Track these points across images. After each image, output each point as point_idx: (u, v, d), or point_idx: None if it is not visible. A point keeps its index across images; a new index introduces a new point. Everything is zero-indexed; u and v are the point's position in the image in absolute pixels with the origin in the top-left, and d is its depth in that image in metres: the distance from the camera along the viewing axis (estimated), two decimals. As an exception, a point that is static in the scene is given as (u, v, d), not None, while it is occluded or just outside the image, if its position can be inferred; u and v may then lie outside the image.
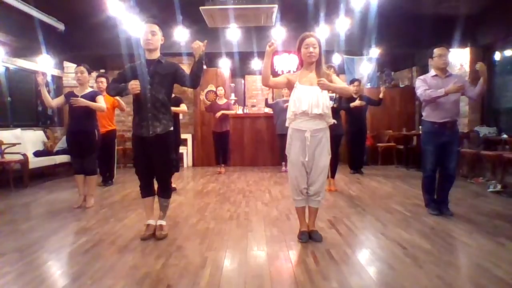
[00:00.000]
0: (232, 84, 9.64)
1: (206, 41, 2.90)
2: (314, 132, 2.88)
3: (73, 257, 2.72)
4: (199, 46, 2.86)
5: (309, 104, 2.84)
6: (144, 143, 3.03)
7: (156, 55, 3.04)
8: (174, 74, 3.05)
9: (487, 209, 4.02)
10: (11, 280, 2.32)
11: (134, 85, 2.89)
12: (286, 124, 3.02)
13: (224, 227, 3.45)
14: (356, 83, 6.49)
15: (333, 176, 5.17)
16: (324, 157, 2.94)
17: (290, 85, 3.00)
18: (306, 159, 2.88)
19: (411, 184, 5.53)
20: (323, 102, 2.86)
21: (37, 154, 6.31)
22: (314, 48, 2.88)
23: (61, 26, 6.17)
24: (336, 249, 2.81)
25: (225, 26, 6.00)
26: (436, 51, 3.71)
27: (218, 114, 6.76)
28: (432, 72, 3.81)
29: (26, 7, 5.17)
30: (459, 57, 6.65)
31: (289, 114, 2.96)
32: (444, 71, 3.74)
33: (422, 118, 3.88)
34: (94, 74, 5.91)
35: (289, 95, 3.06)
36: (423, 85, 3.72)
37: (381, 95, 6.64)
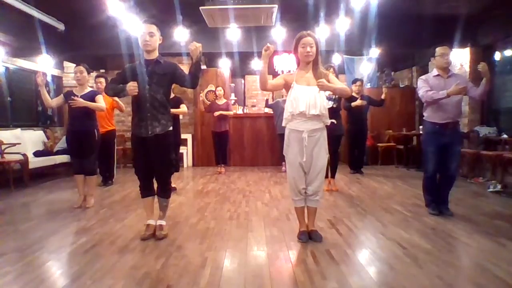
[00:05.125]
0: (232, 84, 9.64)
1: (200, 44, 2.89)
2: (311, 132, 2.87)
3: (73, 257, 2.72)
4: (196, 47, 2.86)
5: (306, 105, 2.83)
6: (144, 143, 3.04)
7: (155, 55, 3.04)
8: (173, 74, 3.05)
9: (487, 209, 4.03)
10: (11, 280, 2.32)
11: (132, 87, 2.90)
12: (283, 125, 3.00)
13: (224, 227, 3.46)
14: (358, 83, 6.50)
15: (333, 176, 5.17)
16: (322, 157, 2.94)
17: (287, 86, 2.98)
18: (304, 160, 2.88)
19: (411, 184, 5.53)
20: (320, 102, 2.86)
21: (37, 154, 6.31)
22: (311, 47, 2.86)
23: (61, 26, 6.17)
24: (336, 249, 2.81)
25: (225, 26, 6.00)
26: (439, 50, 3.69)
27: (216, 113, 6.77)
28: (434, 71, 3.79)
29: (26, 7, 5.17)
30: (459, 57, 6.64)
31: (286, 115, 2.94)
32: (446, 70, 3.73)
33: (424, 118, 3.87)
34: (94, 74, 5.91)
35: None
36: (424, 86, 3.70)
37: (383, 96, 6.63)
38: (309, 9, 5.50)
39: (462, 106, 6.34)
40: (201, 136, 8.31)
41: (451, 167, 3.72)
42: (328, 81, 2.86)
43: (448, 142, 3.67)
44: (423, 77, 3.84)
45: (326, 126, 2.98)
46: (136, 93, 2.92)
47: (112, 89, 3.04)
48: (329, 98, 4.16)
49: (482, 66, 3.51)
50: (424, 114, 3.85)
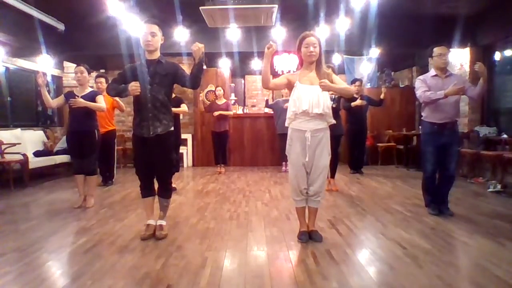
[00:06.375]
0: (232, 84, 9.65)
1: (203, 45, 2.89)
2: (314, 132, 2.87)
3: (73, 257, 2.72)
4: (199, 48, 2.86)
5: (309, 104, 2.83)
6: (145, 143, 3.04)
7: (156, 55, 3.04)
8: (175, 74, 3.05)
9: (487, 209, 4.02)
10: (11, 280, 2.32)
11: (134, 87, 2.89)
12: (286, 124, 3.01)
13: (224, 227, 3.46)
14: (357, 83, 6.49)
15: (333, 176, 5.17)
16: (324, 157, 2.94)
17: (290, 86, 2.99)
18: (307, 160, 2.88)
19: (411, 184, 5.53)
20: (323, 101, 2.86)
21: (37, 154, 6.31)
22: (314, 47, 2.87)
23: (61, 26, 6.17)
24: (336, 249, 2.81)
25: (225, 26, 6.00)
26: (436, 50, 3.68)
27: (216, 113, 6.78)
28: (432, 71, 3.78)
29: (26, 7, 5.17)
30: (459, 57, 6.65)
31: (289, 114, 2.95)
32: (444, 70, 3.72)
33: (422, 118, 3.87)
34: (94, 74, 5.91)
35: (289, 95, 3.05)
36: (422, 86, 3.69)
37: (382, 96, 6.64)
38: (309, 9, 5.50)
39: (462, 106, 6.40)
40: (201, 136, 8.31)
41: (450, 167, 3.72)
42: (331, 81, 2.87)
43: (446, 142, 3.67)
44: (421, 77, 3.83)
45: None
46: (138, 93, 2.91)
47: (114, 89, 3.02)
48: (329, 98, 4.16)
49: (479, 66, 3.50)
50: (422, 114, 3.84)
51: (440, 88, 3.59)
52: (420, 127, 4.65)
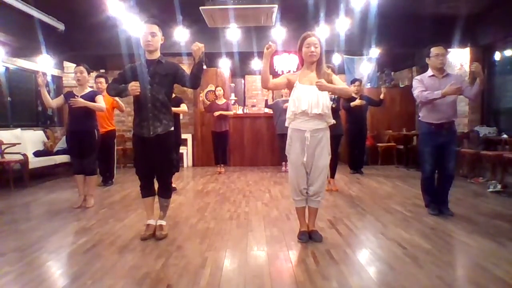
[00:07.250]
0: (232, 84, 9.65)
1: (202, 45, 2.89)
2: (313, 132, 2.87)
3: (73, 257, 2.72)
4: (199, 48, 2.86)
5: (308, 104, 2.83)
6: (145, 143, 3.04)
7: (156, 55, 3.05)
8: (175, 74, 3.05)
9: (487, 209, 4.02)
10: (11, 280, 2.32)
11: (134, 87, 2.89)
12: (286, 124, 3.01)
13: (224, 227, 3.46)
14: (357, 83, 6.50)
15: (333, 176, 5.17)
16: (324, 157, 2.94)
17: (290, 86, 2.99)
18: (306, 159, 2.88)
19: (411, 184, 5.53)
20: (323, 102, 2.86)
21: (37, 154, 6.31)
22: (315, 47, 2.88)
23: (61, 26, 6.17)
24: (336, 249, 2.81)
25: (225, 26, 6.00)
26: (433, 50, 3.67)
27: (216, 113, 6.78)
28: (429, 72, 3.76)
29: (26, 7, 5.17)
30: (459, 57, 6.65)
31: (288, 114, 2.95)
32: (441, 71, 3.71)
33: (419, 119, 3.86)
34: (94, 74, 5.91)
35: (289, 95, 3.05)
36: (419, 86, 3.68)
37: (382, 96, 6.65)
38: (309, 9, 5.49)
39: (463, 106, 6.41)
40: (201, 136, 8.31)
41: (448, 167, 3.71)
42: (331, 81, 2.87)
43: (444, 141, 3.66)
44: (418, 77, 3.83)
45: None
46: (138, 93, 2.92)
47: (114, 89, 3.03)
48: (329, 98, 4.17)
49: (475, 66, 3.49)
50: (420, 114, 3.83)
51: (437, 88, 3.58)
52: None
